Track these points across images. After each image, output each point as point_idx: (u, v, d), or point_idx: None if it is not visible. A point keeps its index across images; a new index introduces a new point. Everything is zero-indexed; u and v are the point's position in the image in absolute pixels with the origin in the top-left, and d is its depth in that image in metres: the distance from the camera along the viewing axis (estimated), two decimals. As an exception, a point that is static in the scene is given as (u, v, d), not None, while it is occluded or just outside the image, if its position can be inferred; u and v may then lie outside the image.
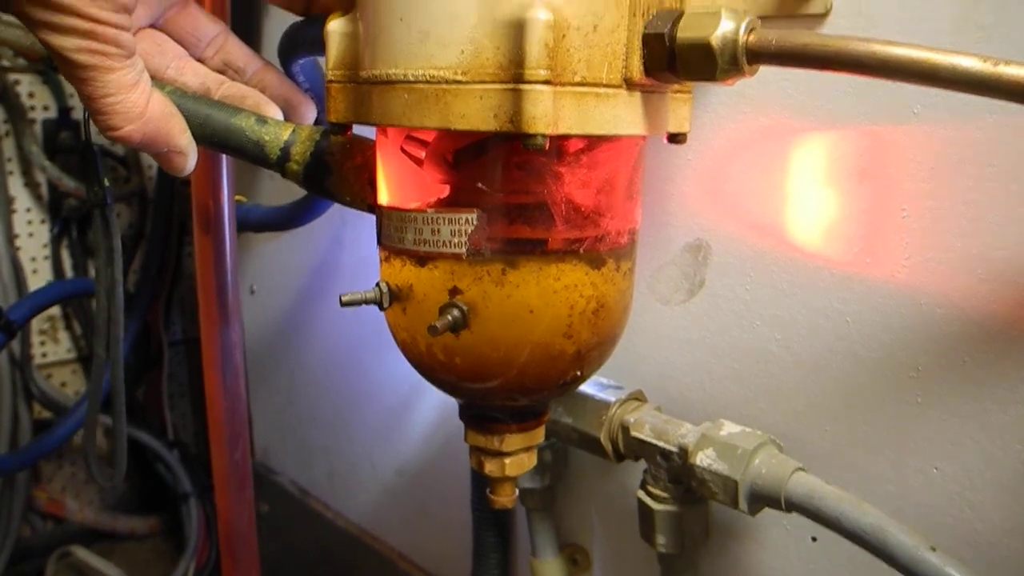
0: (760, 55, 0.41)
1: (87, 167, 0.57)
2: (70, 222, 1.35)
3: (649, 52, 0.43)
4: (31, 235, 1.34)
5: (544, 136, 0.40)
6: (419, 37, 0.42)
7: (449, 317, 0.45)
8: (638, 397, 0.61)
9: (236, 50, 0.56)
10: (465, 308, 0.46)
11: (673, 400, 0.60)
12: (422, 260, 0.47)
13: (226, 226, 0.80)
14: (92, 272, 1.36)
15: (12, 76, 1.27)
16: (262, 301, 1.04)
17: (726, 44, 0.41)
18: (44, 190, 1.33)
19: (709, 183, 0.55)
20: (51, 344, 1.36)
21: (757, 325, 0.54)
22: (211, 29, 0.55)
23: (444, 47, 0.42)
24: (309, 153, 0.52)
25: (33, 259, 1.34)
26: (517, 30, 0.40)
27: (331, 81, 0.48)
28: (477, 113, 0.41)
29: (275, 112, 0.55)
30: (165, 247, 1.26)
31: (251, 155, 0.53)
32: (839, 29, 0.48)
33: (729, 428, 0.54)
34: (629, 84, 0.43)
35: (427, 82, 0.42)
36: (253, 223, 0.84)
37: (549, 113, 0.40)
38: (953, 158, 0.45)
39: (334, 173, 0.53)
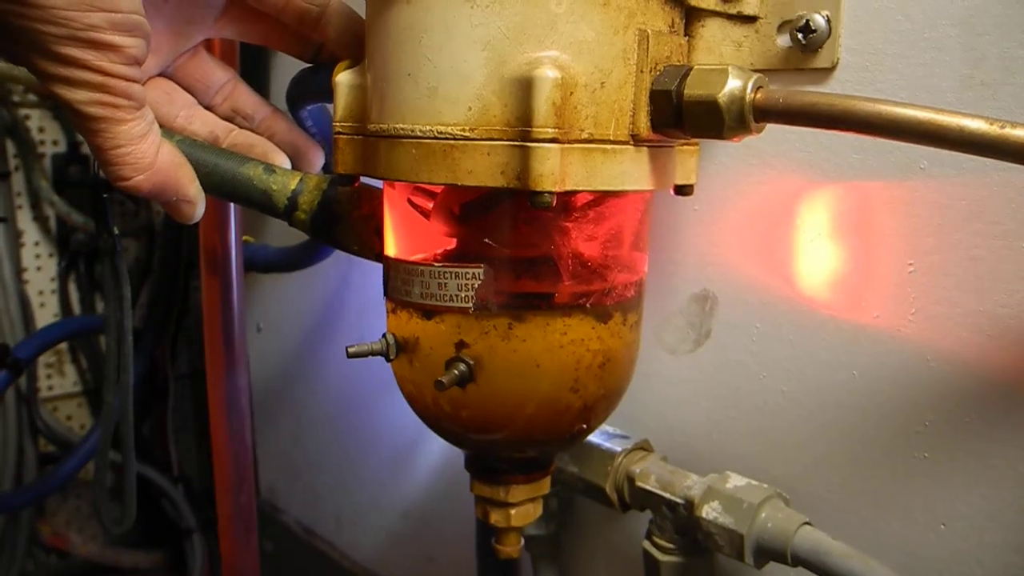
0: (767, 113, 0.41)
1: (97, 214, 0.57)
2: (78, 256, 1.35)
3: (656, 108, 0.43)
4: (39, 269, 1.34)
5: (551, 194, 0.40)
6: (427, 93, 0.42)
7: (456, 372, 0.45)
8: (644, 447, 0.61)
9: (245, 97, 0.56)
10: (471, 362, 0.46)
11: (679, 450, 0.60)
12: (429, 313, 0.47)
13: (233, 268, 0.81)
14: (99, 306, 1.36)
15: (22, 111, 1.28)
16: (269, 340, 1.04)
17: (733, 102, 0.41)
18: (53, 224, 1.34)
19: (716, 234, 0.55)
20: (57, 377, 1.36)
21: (764, 377, 0.54)
22: (220, 76, 0.55)
23: (452, 103, 0.42)
24: (316, 202, 0.53)
25: (40, 292, 1.34)
26: (525, 88, 0.40)
27: (338, 132, 0.48)
28: (485, 170, 0.42)
29: (283, 160, 0.55)
30: (173, 282, 1.26)
31: (259, 204, 0.53)
32: (845, 83, 0.48)
33: (735, 481, 0.53)
34: (636, 140, 0.43)
35: (435, 138, 0.42)
36: (260, 264, 0.85)
37: (556, 171, 0.40)
38: (960, 214, 0.45)
39: (341, 223, 0.53)
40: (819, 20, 0.48)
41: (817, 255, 0.51)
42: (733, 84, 0.41)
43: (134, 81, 0.43)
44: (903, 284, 0.47)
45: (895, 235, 0.47)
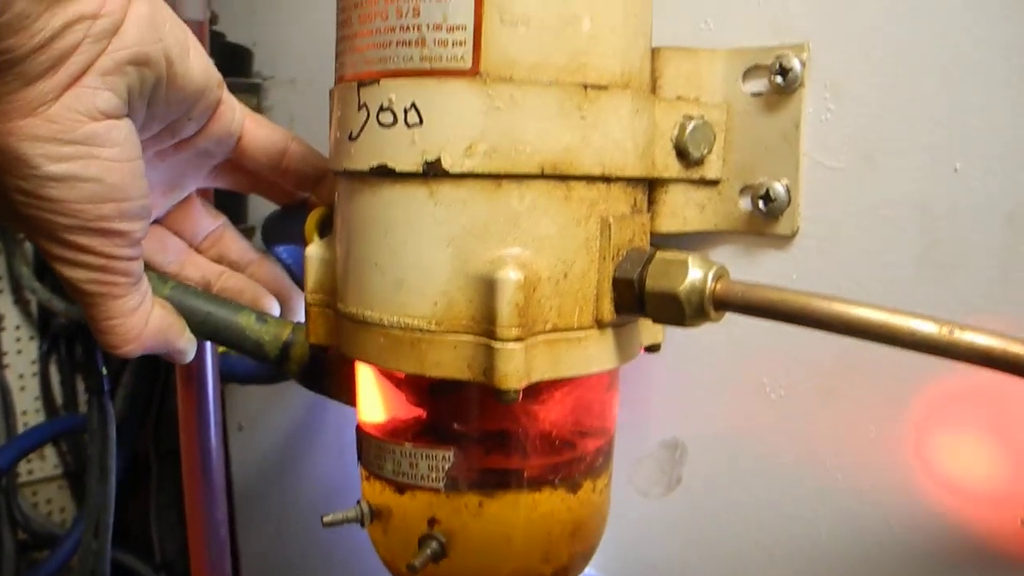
0: (726, 305, 0.42)
1: (87, 353, 0.58)
2: (59, 339, 1.35)
3: (619, 295, 0.44)
4: (19, 352, 1.34)
5: (516, 391, 0.41)
6: (393, 285, 0.43)
7: (428, 551, 0.46)
8: (618, 582, 0.62)
9: (232, 244, 0.57)
10: (443, 540, 0.46)
11: (654, 586, 0.61)
12: (401, 488, 0.47)
13: (209, 381, 0.81)
14: (80, 387, 1.36)
15: (2, 198, 1.28)
16: (250, 438, 1.04)
17: (693, 294, 0.42)
18: (34, 307, 1.34)
19: (684, 384, 0.56)
20: (37, 461, 1.35)
21: (734, 525, 0.55)
22: (209, 224, 0.57)
23: (418, 297, 0.43)
24: (307, 356, 0.54)
25: (21, 376, 1.34)
26: (488, 288, 0.41)
27: (310, 304, 0.49)
28: (451, 362, 0.42)
29: (272, 305, 0.56)
30: (153, 373, 1.26)
31: (250, 353, 0.54)
32: (805, 250, 0.49)
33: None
34: (600, 324, 0.44)
35: (402, 329, 0.43)
36: (239, 376, 0.85)
37: (521, 369, 0.41)
38: (920, 384, 0.46)
39: (331, 377, 0.54)
40: (779, 189, 0.49)
41: (781, 414, 0.52)
42: (693, 276, 0.42)
43: (134, 260, 0.45)
44: (866, 449, 0.48)
45: (857, 401, 0.48)
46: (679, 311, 0.42)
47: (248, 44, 0.92)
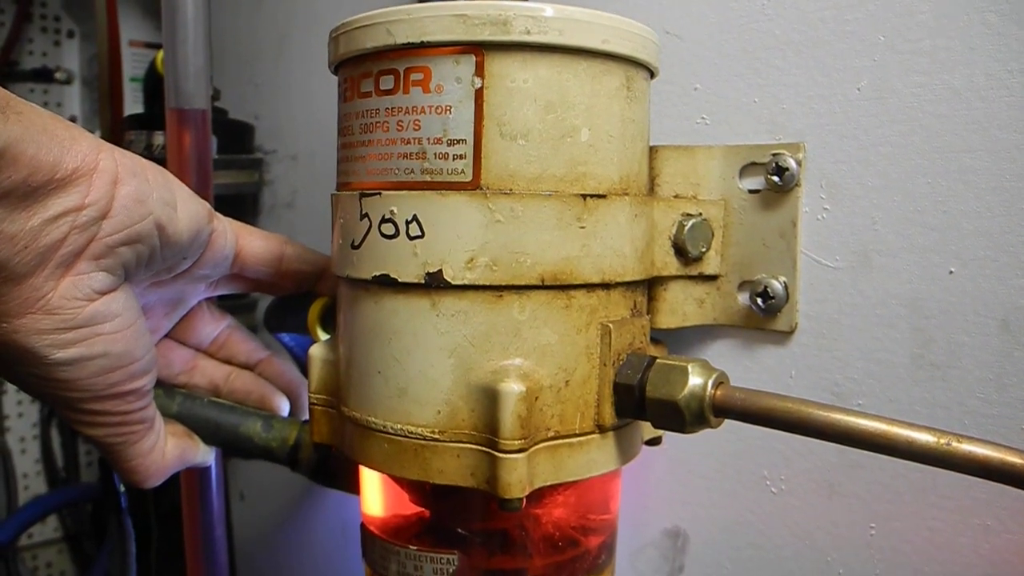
0: (726, 412, 0.42)
1: (104, 470, 0.59)
2: (59, 401, 1.35)
3: (620, 400, 0.44)
4: (20, 415, 1.35)
5: (520, 499, 0.41)
6: (397, 393, 0.44)
7: (433, 654, 0.46)
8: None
9: (239, 345, 0.58)
10: (448, 641, 0.46)
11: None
12: (405, 590, 0.47)
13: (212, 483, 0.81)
14: (81, 449, 1.36)
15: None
16: (253, 508, 1.04)
17: (693, 401, 0.42)
18: (34, 370, 1.34)
19: (685, 474, 0.56)
20: (38, 525, 1.35)
21: (737, 615, 0.55)
22: (215, 328, 0.57)
23: (421, 406, 0.43)
24: (315, 458, 0.54)
25: (22, 439, 1.34)
26: (491, 398, 0.41)
27: (314, 404, 0.49)
28: (455, 470, 0.43)
29: (281, 403, 0.57)
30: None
31: (262, 458, 0.55)
32: (803, 346, 0.50)
33: None
34: (602, 428, 0.45)
35: (406, 436, 0.43)
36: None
37: (524, 478, 0.41)
38: (918, 485, 0.47)
39: (338, 474, 0.54)
40: (776, 286, 0.50)
41: (782, 508, 0.52)
42: (693, 383, 0.43)
43: (146, 407, 0.46)
44: (865, 546, 0.49)
45: (857, 498, 0.49)
46: (679, 418, 0.43)
47: (250, 118, 0.94)
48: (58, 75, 1.39)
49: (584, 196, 0.43)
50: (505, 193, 0.41)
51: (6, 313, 0.39)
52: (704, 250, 0.50)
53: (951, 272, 0.45)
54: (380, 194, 0.43)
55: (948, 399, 0.45)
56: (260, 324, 0.86)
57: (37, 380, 0.42)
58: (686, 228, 0.49)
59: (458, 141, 0.42)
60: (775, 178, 0.49)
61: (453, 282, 0.42)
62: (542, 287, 0.42)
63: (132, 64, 1.33)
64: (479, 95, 0.41)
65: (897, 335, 0.47)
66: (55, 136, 0.38)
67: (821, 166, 0.49)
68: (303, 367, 0.63)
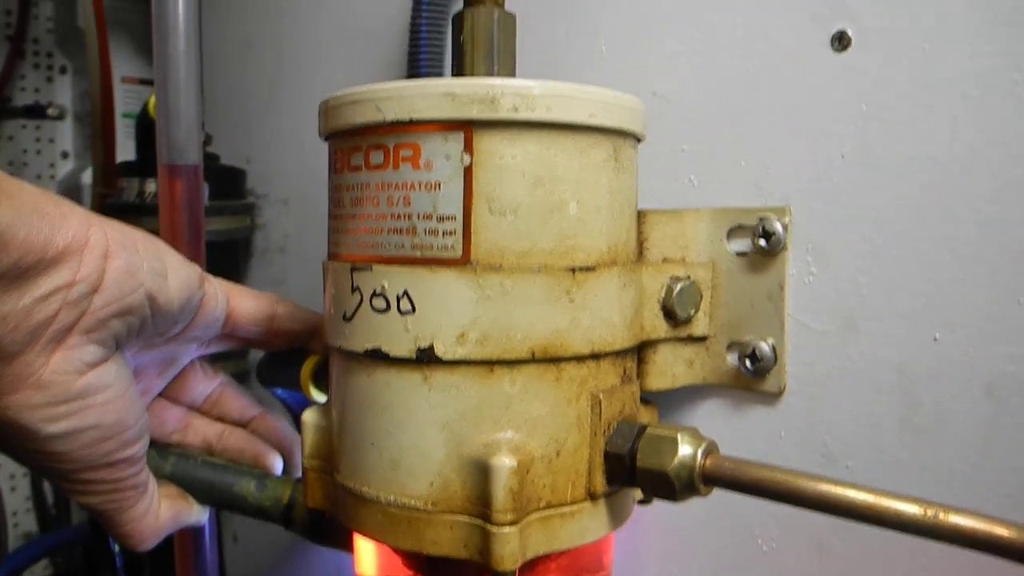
0: (715, 481, 0.43)
1: (96, 531, 0.59)
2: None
3: (611, 468, 0.45)
4: (12, 452, 1.34)
5: (513, 571, 0.42)
6: (390, 464, 0.44)
7: None
8: None
9: (232, 402, 0.58)
10: None
11: None
12: (399, 659, 0.48)
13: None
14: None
15: None
16: (246, 549, 1.04)
17: (683, 471, 0.43)
18: (26, 407, 1.34)
19: (675, 530, 0.56)
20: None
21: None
22: (208, 387, 0.57)
23: (414, 477, 0.43)
24: (308, 518, 0.54)
25: (12, 476, 1.34)
26: (483, 472, 0.42)
27: (308, 469, 0.50)
28: (448, 541, 0.43)
29: (275, 461, 0.57)
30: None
31: (255, 516, 0.55)
32: (792, 407, 0.50)
33: None
34: (593, 496, 0.45)
35: (399, 507, 0.44)
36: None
37: (516, 551, 0.42)
38: (909, 548, 0.47)
39: (332, 533, 0.54)
40: (765, 348, 0.50)
41: (774, 563, 0.52)
42: (683, 453, 0.43)
43: (139, 473, 0.46)
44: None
45: (846, 558, 0.49)
46: (669, 487, 0.43)
47: (241, 161, 0.94)
48: (50, 111, 1.39)
49: (573, 269, 0.43)
50: (495, 269, 0.42)
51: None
52: (693, 313, 0.51)
53: (936, 338, 0.45)
54: (371, 268, 0.43)
55: (935, 462, 0.46)
56: (252, 369, 0.87)
57: (30, 453, 0.42)
58: (675, 292, 0.50)
59: (448, 217, 0.42)
60: (762, 241, 0.50)
61: (444, 357, 0.42)
62: (532, 360, 0.43)
63: (124, 100, 1.33)
64: (468, 172, 0.42)
65: (885, 398, 0.47)
66: (46, 215, 0.39)
67: (807, 230, 0.49)
68: (296, 419, 0.63)
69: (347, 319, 0.45)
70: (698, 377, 0.53)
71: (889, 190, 0.46)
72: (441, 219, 0.42)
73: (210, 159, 0.88)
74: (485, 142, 0.42)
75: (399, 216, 0.43)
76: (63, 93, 1.43)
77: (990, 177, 0.43)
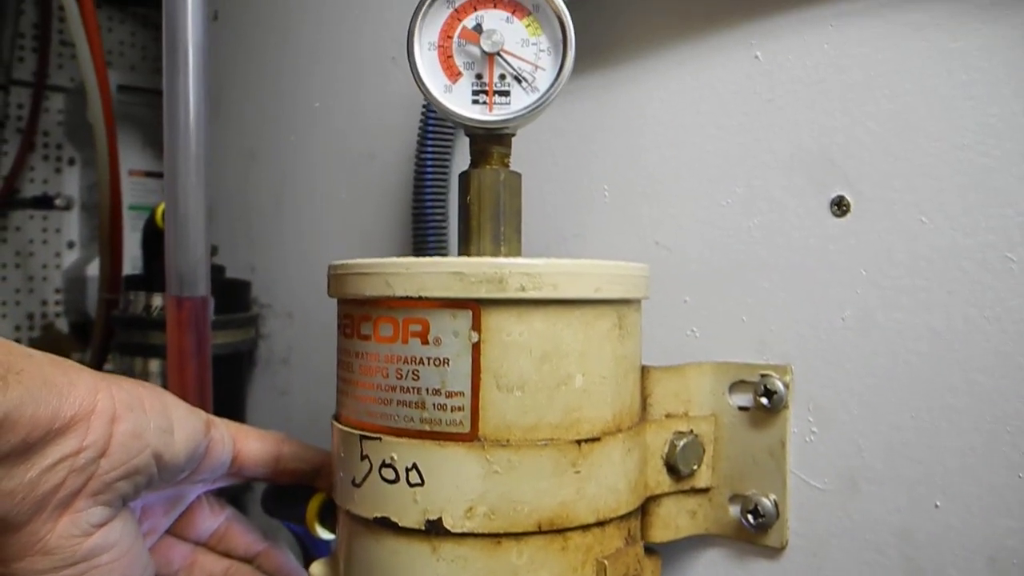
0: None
1: None
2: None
3: (616, 638, 0.45)
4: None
5: None
6: (399, 633, 0.44)
7: None
8: None
9: (239, 538, 0.58)
10: None
11: None
12: None
13: None
14: None
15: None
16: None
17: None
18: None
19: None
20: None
21: None
22: (214, 522, 0.57)
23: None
24: None
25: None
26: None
27: (315, 624, 0.50)
28: None
29: None
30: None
31: None
32: (794, 563, 0.51)
33: None
34: (599, 665, 0.45)
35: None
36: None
37: None
38: None
39: None
40: (767, 504, 0.51)
41: None
42: (687, 624, 0.43)
43: None
44: None
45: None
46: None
47: (246, 269, 0.95)
48: (58, 201, 1.41)
49: (579, 442, 0.44)
50: (502, 445, 0.43)
51: (4, 559, 0.39)
52: (696, 467, 0.52)
53: (937, 505, 0.46)
54: (380, 439, 0.44)
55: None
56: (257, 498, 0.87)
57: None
58: (678, 448, 0.51)
59: (456, 393, 0.43)
60: (763, 400, 0.51)
61: (453, 530, 0.43)
62: (539, 532, 0.43)
63: (131, 192, 1.35)
64: (476, 349, 0.43)
65: (887, 562, 0.48)
66: (54, 387, 0.39)
67: (808, 389, 0.50)
68: (301, 543, 0.63)
69: (356, 484, 0.45)
70: (701, 528, 0.53)
71: (888, 356, 0.47)
72: (450, 395, 0.43)
73: (216, 271, 0.89)
74: (493, 319, 0.43)
75: (408, 390, 0.44)
76: (71, 184, 1.45)
77: (985, 352, 0.44)
